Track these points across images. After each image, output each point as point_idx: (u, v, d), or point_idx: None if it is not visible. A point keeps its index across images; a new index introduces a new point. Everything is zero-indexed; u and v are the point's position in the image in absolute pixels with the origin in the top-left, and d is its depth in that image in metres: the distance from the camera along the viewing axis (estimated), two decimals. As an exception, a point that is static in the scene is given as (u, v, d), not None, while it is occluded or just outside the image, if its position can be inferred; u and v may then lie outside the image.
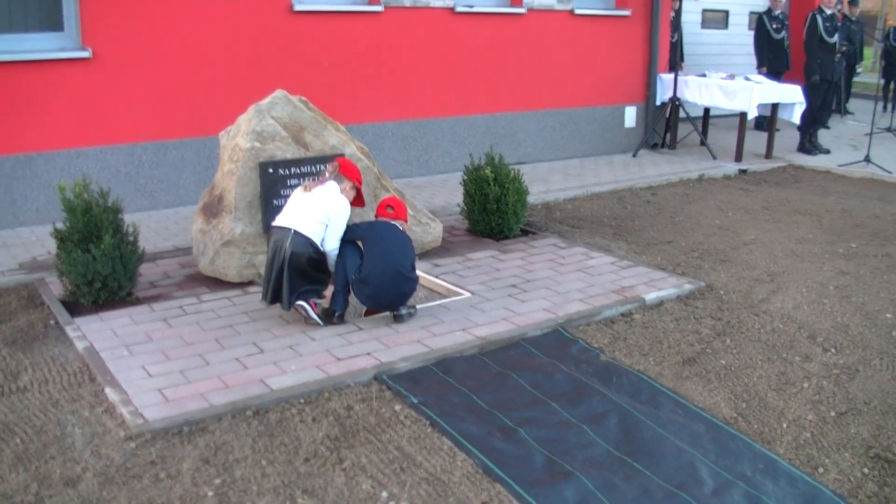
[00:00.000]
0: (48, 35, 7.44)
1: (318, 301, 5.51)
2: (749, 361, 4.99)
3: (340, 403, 4.31)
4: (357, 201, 5.60)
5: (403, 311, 5.33)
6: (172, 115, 7.97)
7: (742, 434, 4.17)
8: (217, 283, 5.94)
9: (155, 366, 4.65)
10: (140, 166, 7.90)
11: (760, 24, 13.41)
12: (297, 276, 5.12)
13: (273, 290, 5.17)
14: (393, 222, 5.49)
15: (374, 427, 4.10)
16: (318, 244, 5.20)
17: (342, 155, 6.07)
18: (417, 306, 5.53)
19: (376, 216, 5.61)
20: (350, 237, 5.33)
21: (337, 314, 5.28)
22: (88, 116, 7.56)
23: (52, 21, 7.46)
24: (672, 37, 11.98)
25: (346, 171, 5.50)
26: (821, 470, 3.90)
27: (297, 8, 8.48)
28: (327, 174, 5.43)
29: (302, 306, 5.18)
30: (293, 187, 5.87)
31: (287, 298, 5.13)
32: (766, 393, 4.60)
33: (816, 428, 4.26)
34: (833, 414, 4.40)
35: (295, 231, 5.11)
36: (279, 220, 5.26)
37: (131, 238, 5.58)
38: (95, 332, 5.09)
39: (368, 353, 4.84)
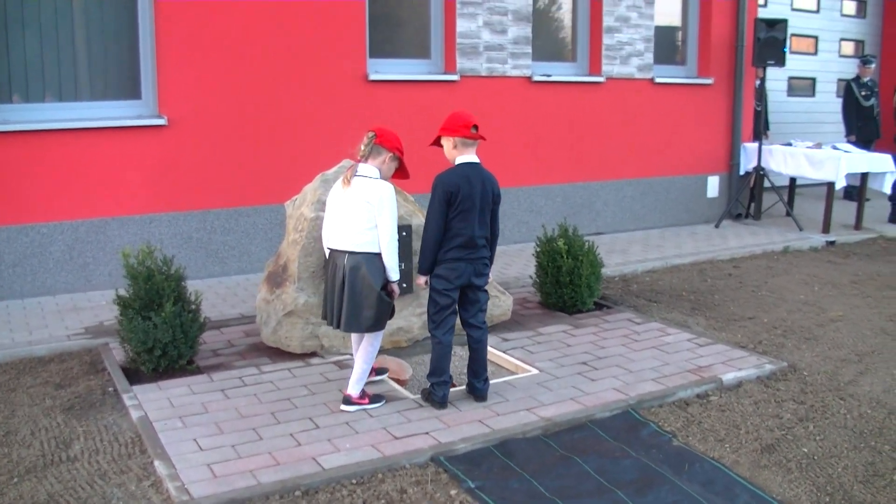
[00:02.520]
0: (126, 103, 7.57)
1: (377, 378, 5.35)
2: (834, 450, 4.64)
3: (394, 486, 4.11)
4: (400, 173, 5.02)
5: (481, 384, 5.11)
6: (244, 182, 8.00)
7: (825, 533, 3.85)
8: (279, 354, 5.83)
9: (207, 439, 4.52)
10: (212, 232, 7.92)
11: (848, 91, 13.05)
12: (360, 297, 4.74)
13: (336, 313, 4.82)
14: (476, 160, 5.15)
15: (427, 513, 3.89)
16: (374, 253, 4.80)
17: (409, 226, 5.94)
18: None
19: (447, 135, 4.98)
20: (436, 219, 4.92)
21: (437, 402, 4.96)
22: (161, 182, 7.62)
23: (130, 90, 7.61)
24: (756, 105, 11.71)
25: (384, 141, 4.85)
26: (913, 577, 3.56)
27: (373, 77, 8.48)
28: (362, 149, 4.84)
29: (349, 411, 4.90)
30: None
31: (346, 321, 4.78)
32: (852, 485, 4.25)
33: (908, 528, 3.91)
34: (927, 512, 4.04)
35: (349, 253, 4.77)
36: (330, 238, 4.90)
37: (193, 306, 5.52)
38: (152, 402, 5.01)
39: (427, 433, 4.63)
